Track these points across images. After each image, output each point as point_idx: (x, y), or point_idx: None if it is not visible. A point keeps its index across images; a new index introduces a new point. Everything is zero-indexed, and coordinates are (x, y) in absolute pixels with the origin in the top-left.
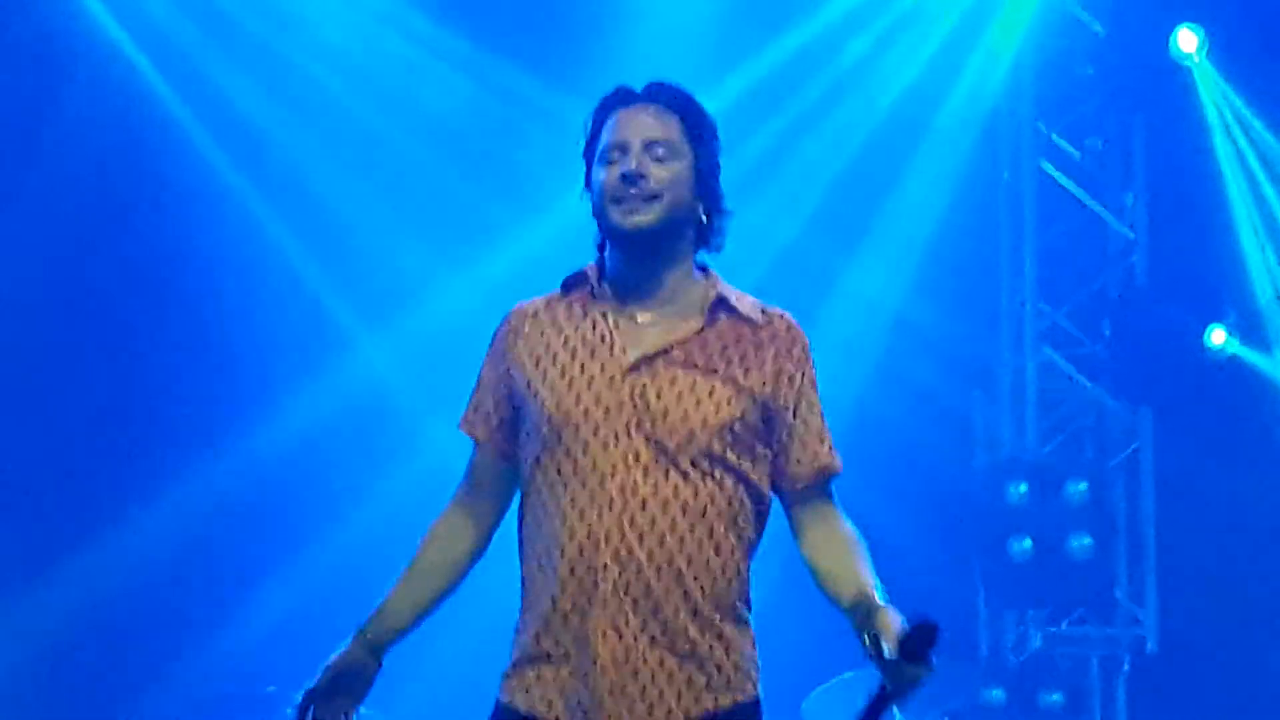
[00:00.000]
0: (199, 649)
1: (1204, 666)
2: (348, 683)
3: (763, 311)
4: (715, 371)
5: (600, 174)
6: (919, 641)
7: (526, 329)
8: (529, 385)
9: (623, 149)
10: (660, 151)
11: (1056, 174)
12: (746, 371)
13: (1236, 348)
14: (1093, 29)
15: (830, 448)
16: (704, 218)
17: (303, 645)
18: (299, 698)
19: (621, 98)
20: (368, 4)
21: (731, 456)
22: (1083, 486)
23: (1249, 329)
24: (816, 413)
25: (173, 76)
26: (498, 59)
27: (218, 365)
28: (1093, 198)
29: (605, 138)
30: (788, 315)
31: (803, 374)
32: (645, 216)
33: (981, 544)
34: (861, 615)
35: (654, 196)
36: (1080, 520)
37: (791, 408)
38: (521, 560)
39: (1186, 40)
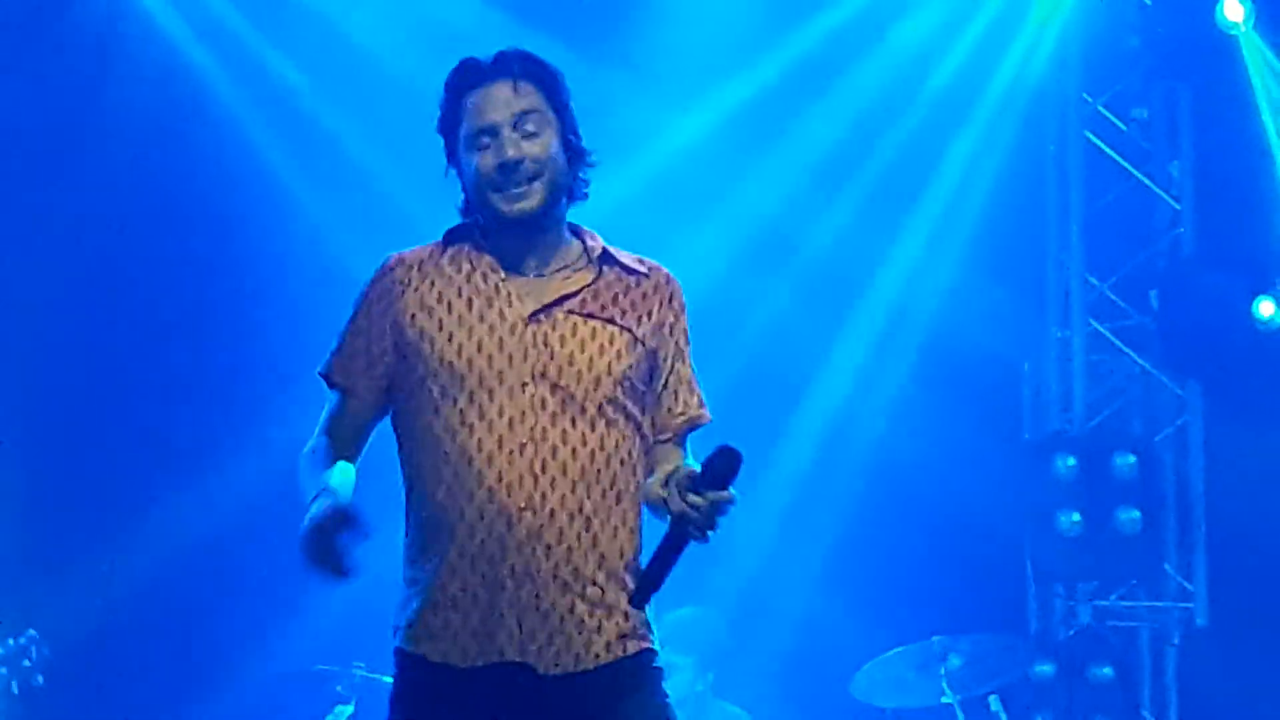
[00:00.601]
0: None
1: (1254, 640)
2: (348, 515)
3: (641, 262)
4: (612, 321)
5: (473, 160)
6: (720, 466)
7: (413, 280)
8: (423, 335)
9: (492, 132)
10: (529, 126)
11: (1102, 145)
12: (638, 320)
13: None
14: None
15: (700, 400)
16: (573, 175)
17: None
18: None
19: (474, 75)
20: None
21: (631, 404)
22: (1131, 460)
23: None
24: (688, 364)
25: (220, 62)
26: (540, 35)
27: (267, 351)
28: (1139, 169)
29: (469, 121)
30: (664, 268)
31: (679, 325)
32: (531, 201)
33: (1030, 518)
34: (667, 480)
35: (534, 177)
36: (1129, 494)
37: (669, 358)
38: (413, 508)
39: (1233, 9)
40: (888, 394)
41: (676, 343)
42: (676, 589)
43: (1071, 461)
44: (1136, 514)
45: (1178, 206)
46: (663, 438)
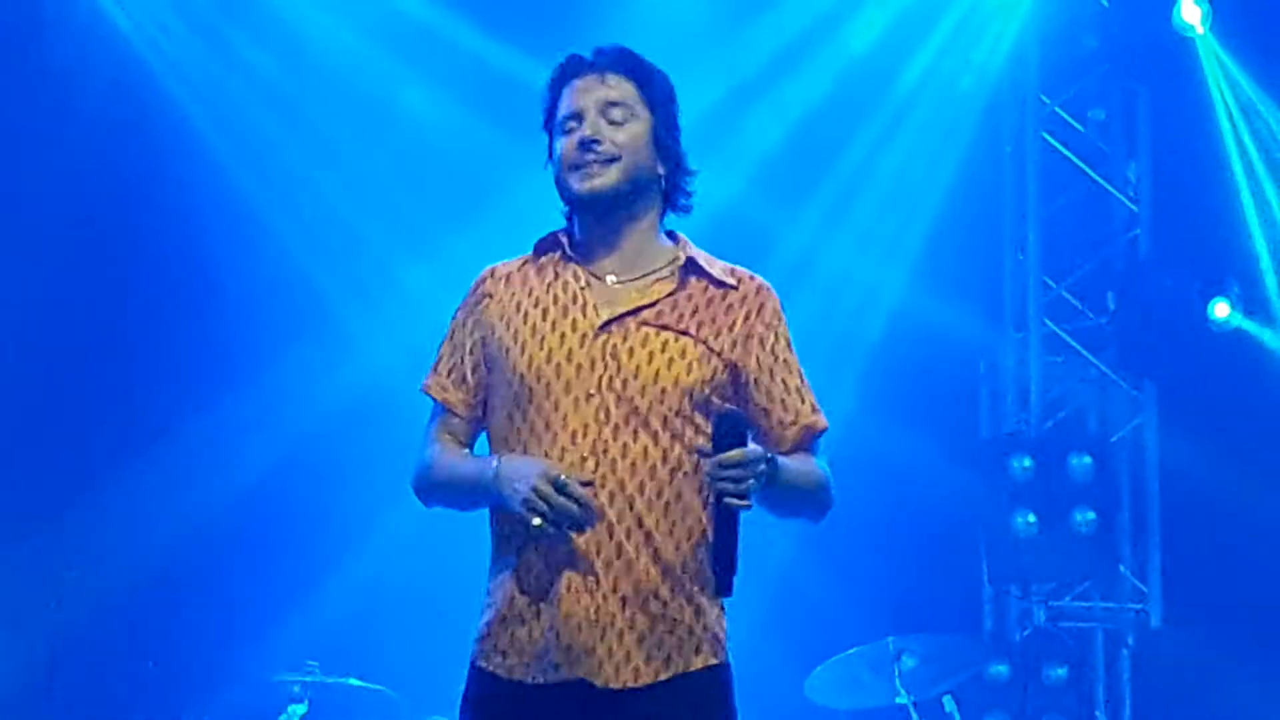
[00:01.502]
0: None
1: (1207, 641)
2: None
3: (733, 274)
4: (686, 332)
5: (559, 144)
6: (723, 432)
7: (500, 291)
8: (500, 344)
9: (579, 117)
10: (616, 114)
11: (1060, 147)
12: (717, 333)
13: (1240, 321)
14: (1097, 1)
15: (813, 406)
16: (665, 179)
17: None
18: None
19: (574, 68)
20: None
21: (700, 420)
22: (1086, 460)
23: (1252, 302)
24: (795, 372)
25: (187, 81)
26: (500, 45)
27: (223, 347)
28: (1096, 170)
29: (562, 108)
30: (758, 278)
31: (775, 335)
32: (603, 179)
33: (985, 518)
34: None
35: (611, 159)
36: (1084, 495)
37: (767, 370)
38: (491, 519)
39: (1190, 12)
40: (843, 394)
41: (773, 352)
42: None
43: (1027, 462)
44: (1092, 515)
45: (1135, 208)
46: (784, 448)
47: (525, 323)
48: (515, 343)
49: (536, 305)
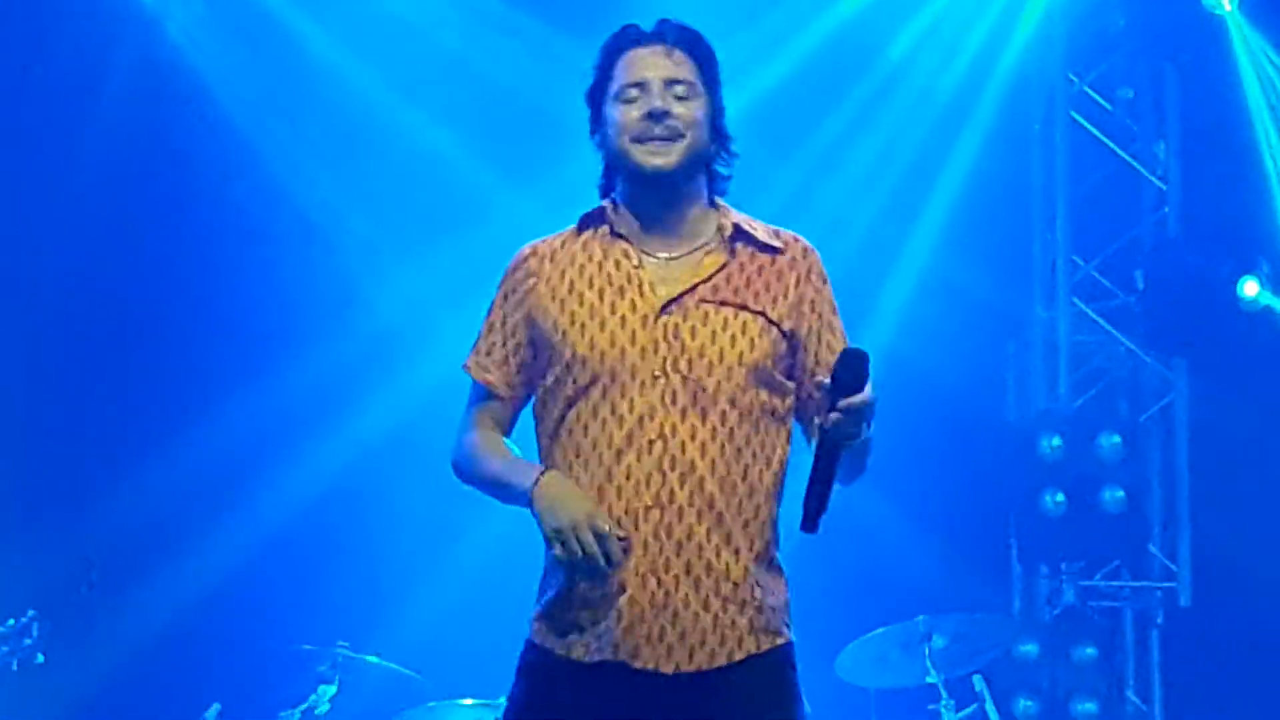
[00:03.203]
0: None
1: (1237, 619)
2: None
3: (777, 236)
4: (745, 306)
5: (617, 112)
6: (846, 375)
7: (546, 270)
8: (555, 326)
9: (642, 87)
10: (681, 90)
11: (1088, 125)
12: (774, 301)
13: (1269, 299)
14: None
15: None
16: (715, 158)
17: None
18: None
19: (634, 37)
20: None
21: (764, 395)
22: (1116, 439)
23: None
24: (839, 335)
25: (216, 66)
26: (540, 23)
27: (251, 335)
28: (1124, 149)
29: (621, 77)
30: (802, 239)
31: (822, 298)
32: (670, 157)
33: (1015, 498)
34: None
35: (678, 136)
36: (1114, 473)
37: (815, 334)
38: None
39: None
40: (871, 376)
41: (821, 315)
42: None
43: (1057, 441)
44: (1121, 494)
45: (1163, 186)
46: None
47: (581, 305)
48: (573, 325)
49: (591, 286)
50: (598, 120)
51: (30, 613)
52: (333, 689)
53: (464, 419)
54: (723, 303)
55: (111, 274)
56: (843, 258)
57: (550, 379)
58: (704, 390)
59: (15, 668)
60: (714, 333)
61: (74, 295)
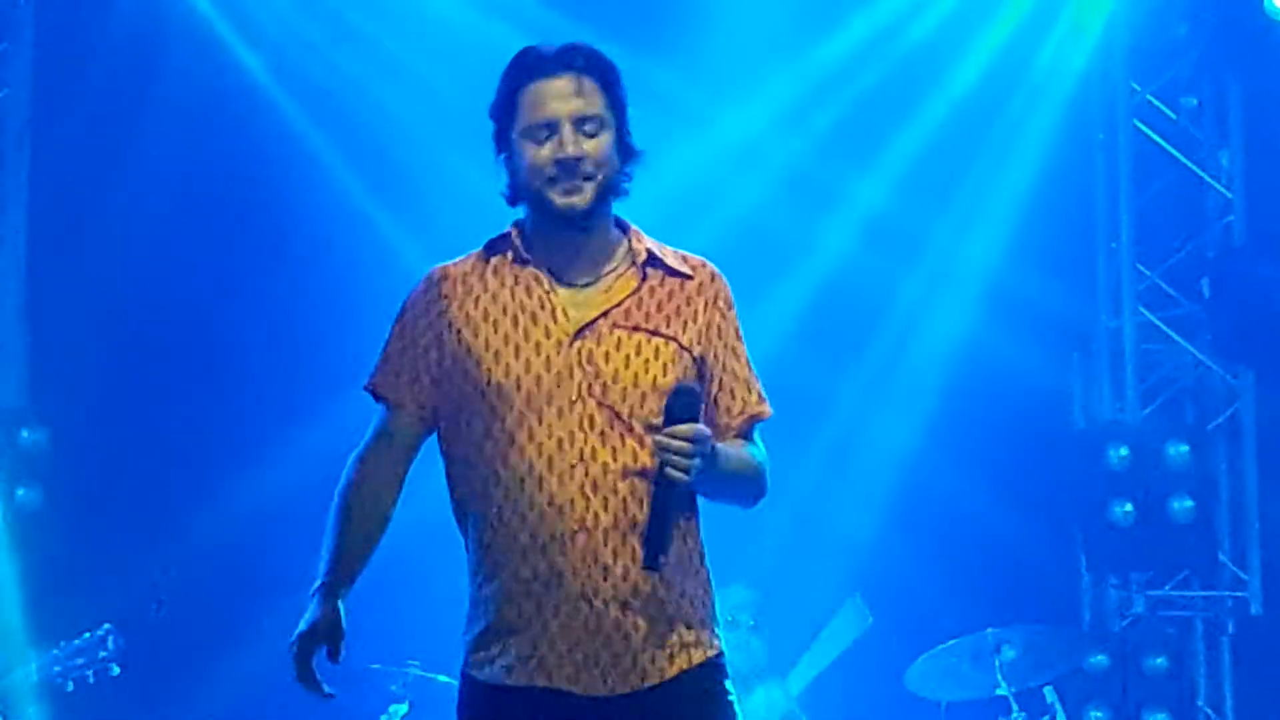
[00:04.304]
0: None
1: None
2: (330, 633)
3: (686, 261)
4: (658, 331)
5: (528, 151)
6: (678, 405)
7: (457, 293)
8: (470, 353)
9: (552, 127)
10: (590, 127)
11: (1152, 134)
12: (684, 326)
13: None
14: None
15: (760, 395)
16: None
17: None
18: (295, 649)
19: (539, 66)
20: None
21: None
22: (1184, 449)
23: None
24: (743, 361)
25: (269, 58)
26: (589, 26)
27: (321, 346)
28: (1188, 157)
29: (530, 113)
30: (710, 264)
31: (728, 322)
32: (584, 197)
33: (1083, 509)
34: None
35: (589, 176)
36: (1182, 483)
37: (722, 360)
38: (469, 528)
39: None
40: (939, 388)
41: (726, 342)
42: (731, 569)
43: (1124, 451)
44: (1190, 503)
45: (1228, 195)
46: (728, 437)
47: (496, 331)
48: (488, 351)
49: (505, 312)
50: (501, 142)
51: (106, 626)
52: (404, 708)
53: (367, 445)
54: (635, 328)
55: (192, 293)
56: (909, 267)
57: (465, 405)
58: (620, 416)
59: (91, 679)
60: (628, 357)
61: (154, 316)
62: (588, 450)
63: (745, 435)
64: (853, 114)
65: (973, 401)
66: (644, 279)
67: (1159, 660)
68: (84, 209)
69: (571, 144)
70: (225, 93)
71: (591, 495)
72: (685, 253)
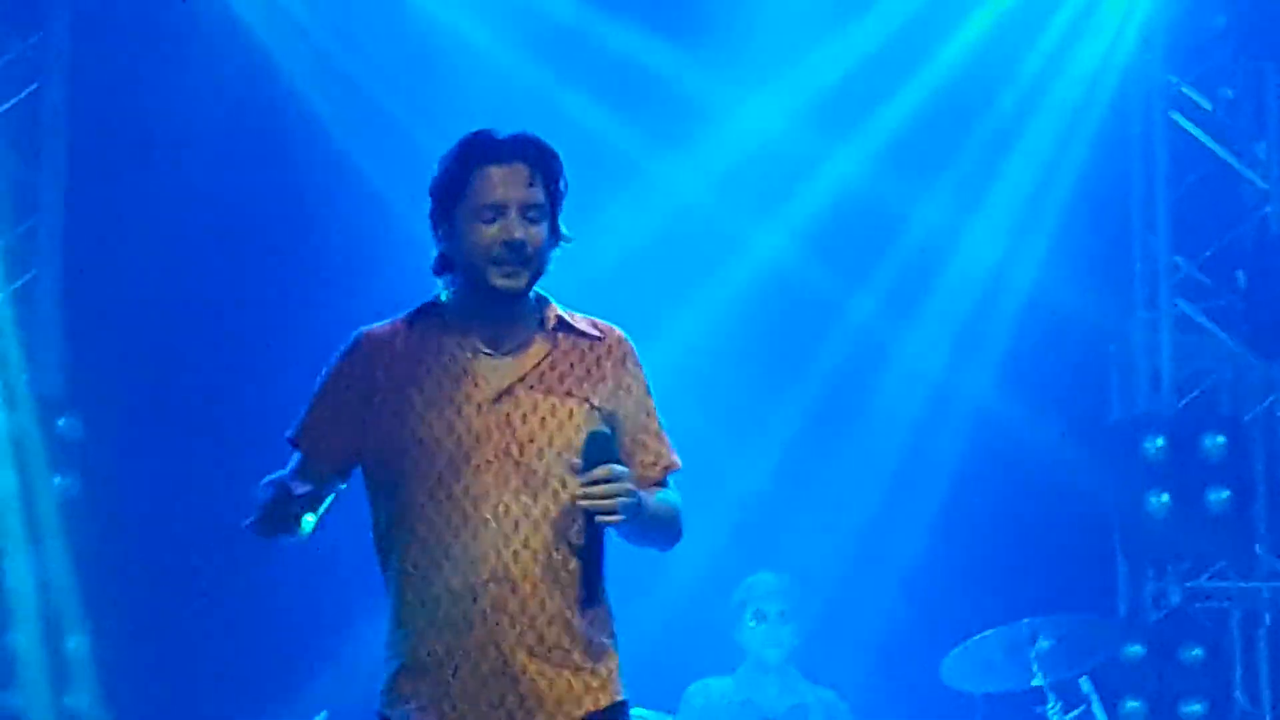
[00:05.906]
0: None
1: None
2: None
3: (595, 326)
4: (570, 393)
5: (475, 232)
6: (592, 451)
7: (385, 357)
8: (395, 414)
9: (501, 211)
10: (533, 214)
11: (1188, 125)
12: (594, 387)
13: None
14: None
15: (669, 447)
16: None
17: None
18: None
19: (494, 151)
20: None
21: None
22: (1220, 440)
23: None
24: (653, 416)
25: (304, 59)
26: (612, 23)
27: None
28: (1225, 148)
29: (481, 194)
30: (617, 328)
31: (637, 380)
32: (521, 280)
33: (1119, 500)
34: None
35: (529, 261)
36: (1218, 474)
37: (633, 417)
38: (388, 577)
39: None
40: (976, 380)
41: (636, 399)
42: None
43: (1160, 442)
44: (1226, 494)
45: (1264, 185)
46: (644, 487)
47: (421, 394)
48: (413, 412)
49: (429, 374)
50: (442, 216)
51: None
52: None
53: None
54: (548, 390)
55: (227, 283)
56: (944, 262)
57: (389, 461)
58: (534, 473)
59: None
60: (542, 419)
61: (190, 305)
62: (501, 507)
63: (661, 484)
64: (887, 108)
65: (1010, 393)
66: (555, 345)
67: (1195, 651)
68: (120, 200)
69: (519, 229)
70: (261, 83)
71: (504, 549)
72: (595, 319)
